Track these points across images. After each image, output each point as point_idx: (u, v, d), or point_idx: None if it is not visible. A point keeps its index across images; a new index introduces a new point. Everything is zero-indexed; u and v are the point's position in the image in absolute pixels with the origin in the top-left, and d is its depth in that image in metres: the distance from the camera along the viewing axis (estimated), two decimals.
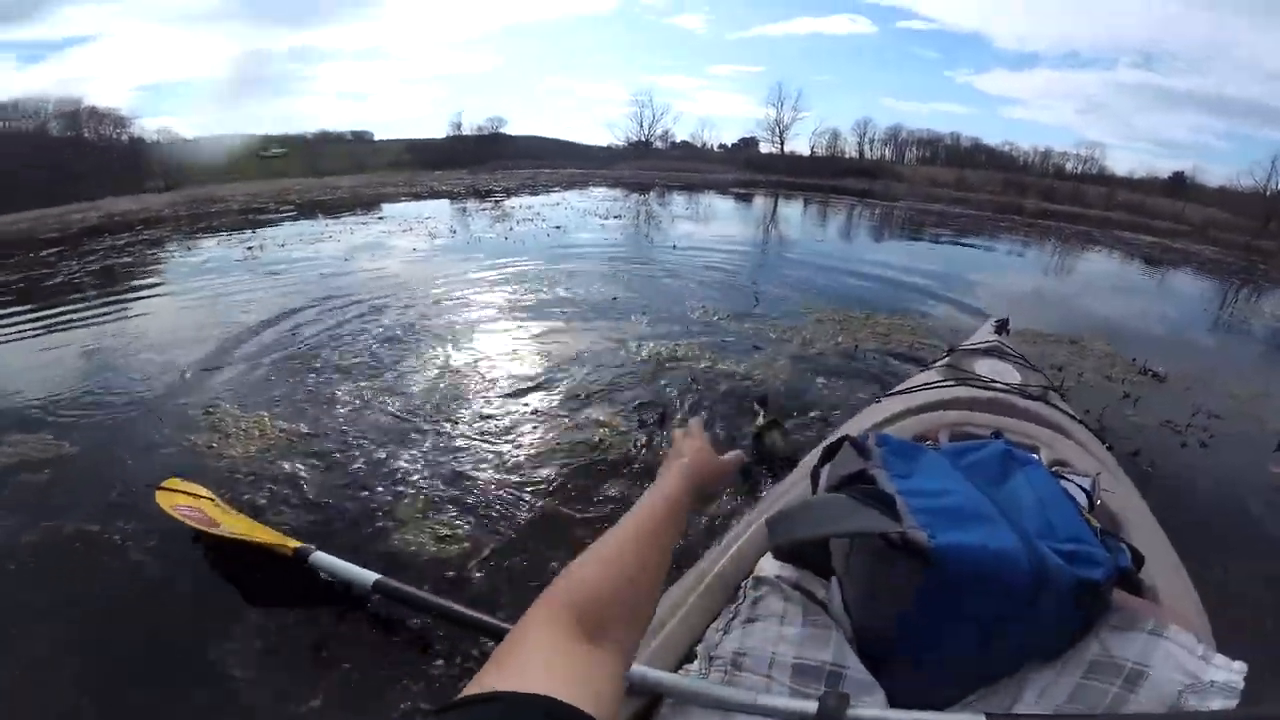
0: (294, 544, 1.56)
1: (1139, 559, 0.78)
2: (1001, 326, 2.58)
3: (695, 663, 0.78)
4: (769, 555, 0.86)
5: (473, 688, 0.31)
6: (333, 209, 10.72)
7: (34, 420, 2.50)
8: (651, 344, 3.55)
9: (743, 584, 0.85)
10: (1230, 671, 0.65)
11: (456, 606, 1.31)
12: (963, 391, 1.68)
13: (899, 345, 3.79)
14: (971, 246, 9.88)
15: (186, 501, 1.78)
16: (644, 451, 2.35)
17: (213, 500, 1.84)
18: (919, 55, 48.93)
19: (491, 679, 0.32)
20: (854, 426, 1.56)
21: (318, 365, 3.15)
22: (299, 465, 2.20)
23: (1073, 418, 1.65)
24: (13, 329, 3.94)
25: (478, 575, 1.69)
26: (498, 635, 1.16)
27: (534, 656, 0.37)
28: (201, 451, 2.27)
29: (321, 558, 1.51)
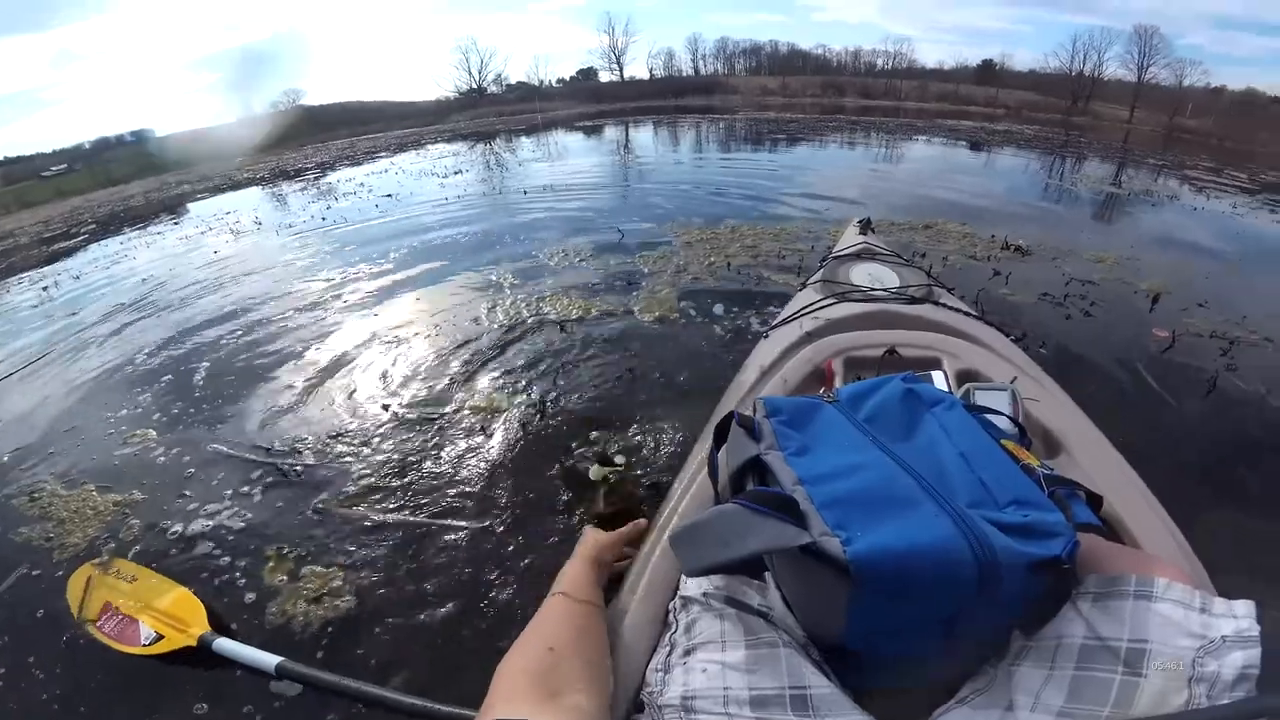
0: (197, 632, 1.34)
1: (1096, 501, 0.67)
2: (865, 225, 2.51)
3: (644, 714, 0.65)
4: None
5: None
6: (131, 220, 9.06)
7: None
8: (512, 305, 3.13)
9: (670, 606, 0.75)
10: (1238, 618, 0.55)
11: (364, 686, 1.14)
12: (845, 309, 1.58)
13: (768, 254, 3.71)
14: (807, 148, 10.20)
15: (97, 605, 1.49)
16: (525, 440, 1.98)
17: (123, 578, 1.54)
18: None
19: None
20: (749, 372, 1.41)
21: (128, 414, 2.48)
22: (141, 542, 1.73)
23: (966, 314, 1.59)
24: None
25: (370, 636, 1.37)
26: (412, 714, 1.05)
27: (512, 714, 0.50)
28: (39, 547, 1.77)
29: (225, 644, 1.30)
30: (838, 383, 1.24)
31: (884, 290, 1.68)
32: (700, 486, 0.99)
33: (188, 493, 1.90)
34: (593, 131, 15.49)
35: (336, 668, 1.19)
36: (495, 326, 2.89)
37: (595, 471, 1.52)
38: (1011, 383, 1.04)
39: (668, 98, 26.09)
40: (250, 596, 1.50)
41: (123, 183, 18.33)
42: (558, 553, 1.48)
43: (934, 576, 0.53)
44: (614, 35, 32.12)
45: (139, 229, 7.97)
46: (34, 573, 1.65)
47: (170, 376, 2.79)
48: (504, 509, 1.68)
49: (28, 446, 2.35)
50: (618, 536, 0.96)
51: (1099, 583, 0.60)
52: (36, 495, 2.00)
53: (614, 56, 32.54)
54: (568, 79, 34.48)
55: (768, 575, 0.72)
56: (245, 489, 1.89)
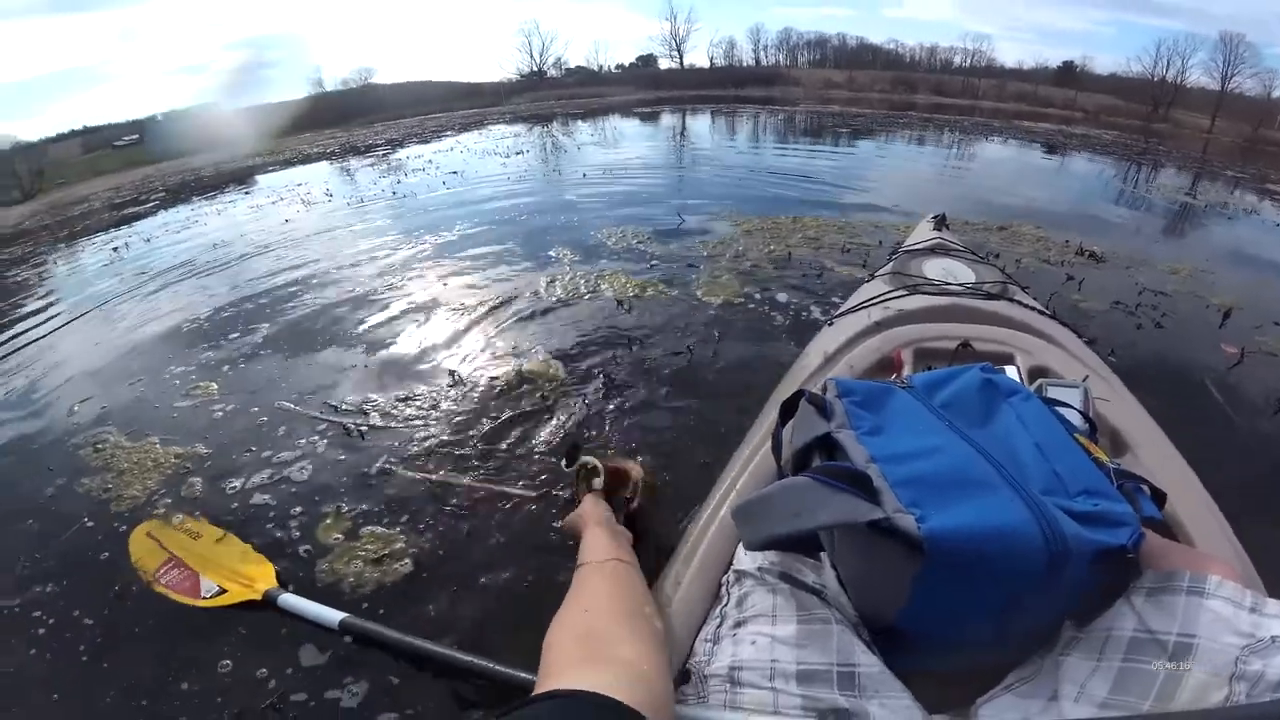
0: (263, 587, 1.37)
1: (1160, 496, 0.68)
2: (940, 222, 2.46)
3: (690, 683, 0.68)
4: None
5: None
6: (201, 189, 9.47)
7: None
8: (570, 281, 3.18)
9: (723, 579, 0.77)
10: None
11: (424, 643, 1.16)
12: (917, 301, 1.56)
13: (831, 246, 3.65)
14: (875, 143, 9.89)
15: (158, 559, 1.52)
16: (585, 411, 2.04)
17: (187, 533, 1.60)
18: None
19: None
20: (811, 357, 1.43)
21: (196, 369, 2.62)
22: (204, 497, 1.79)
23: (1041, 312, 1.57)
24: None
25: (429, 595, 1.40)
26: (470, 672, 1.09)
27: (564, 679, 0.52)
28: (98, 497, 1.83)
29: (289, 599, 1.32)
30: (907, 372, 1.24)
31: (958, 285, 1.66)
32: (759, 464, 1.01)
33: (253, 448, 1.97)
34: (650, 118, 15.42)
35: (396, 626, 1.22)
36: (554, 300, 2.95)
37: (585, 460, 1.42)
38: (1084, 381, 1.05)
39: (727, 87, 25.74)
40: (310, 552, 1.53)
41: (190, 154, 19.23)
42: None
43: (1005, 558, 0.54)
44: (675, 23, 31.87)
45: (208, 198, 8.34)
46: (90, 524, 1.70)
47: (237, 334, 2.94)
48: (562, 478, 1.71)
49: (94, 398, 2.48)
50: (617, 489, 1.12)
51: (1154, 578, 0.61)
52: (100, 446, 2.09)
53: (674, 44, 32.34)
54: (627, 65, 34.40)
55: (823, 555, 0.73)
56: (310, 446, 1.95)
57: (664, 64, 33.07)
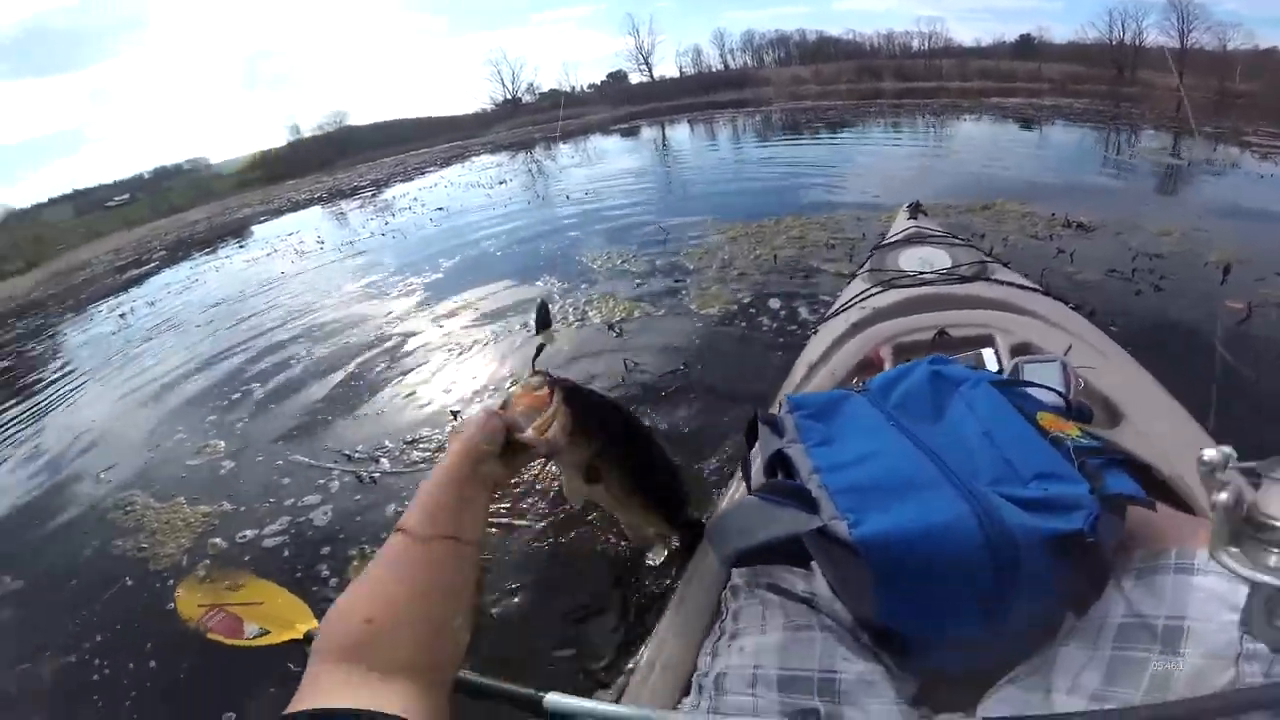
0: (303, 627, 1.38)
1: (1139, 467, 0.67)
2: (915, 209, 2.43)
3: (690, 694, 0.70)
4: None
5: None
6: (198, 246, 9.78)
7: None
8: (560, 310, 3.22)
9: (722, 595, 0.79)
10: None
11: (472, 676, 1.15)
12: (893, 295, 1.56)
13: (815, 245, 3.69)
14: (849, 135, 9.92)
15: (203, 610, 1.54)
16: None
17: (228, 585, 1.59)
18: None
19: None
20: (798, 370, 1.42)
21: (213, 427, 2.73)
22: (233, 547, 1.89)
23: (1023, 287, 1.55)
24: None
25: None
26: (526, 702, 1.03)
27: (328, 701, 0.41)
28: (134, 556, 1.95)
29: None
30: (886, 368, 1.24)
31: (933, 273, 1.65)
32: (743, 488, 1.03)
33: (272, 500, 2.05)
34: (628, 133, 15.54)
35: None
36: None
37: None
38: (1065, 353, 1.04)
39: (699, 94, 25.99)
40: (336, 595, 1.60)
41: (184, 210, 19.37)
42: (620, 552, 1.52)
43: (943, 554, 0.53)
44: (639, 36, 32.20)
45: (206, 254, 8.56)
46: (130, 583, 1.81)
47: (245, 390, 3.05)
48: (566, 510, 1.73)
49: (117, 464, 2.58)
50: (526, 412, 0.67)
51: (1143, 557, 0.57)
52: (129, 509, 2.19)
53: (642, 58, 32.63)
54: (599, 83, 34.74)
55: (814, 564, 0.72)
56: (327, 495, 2.03)
57: (635, 78, 33.40)
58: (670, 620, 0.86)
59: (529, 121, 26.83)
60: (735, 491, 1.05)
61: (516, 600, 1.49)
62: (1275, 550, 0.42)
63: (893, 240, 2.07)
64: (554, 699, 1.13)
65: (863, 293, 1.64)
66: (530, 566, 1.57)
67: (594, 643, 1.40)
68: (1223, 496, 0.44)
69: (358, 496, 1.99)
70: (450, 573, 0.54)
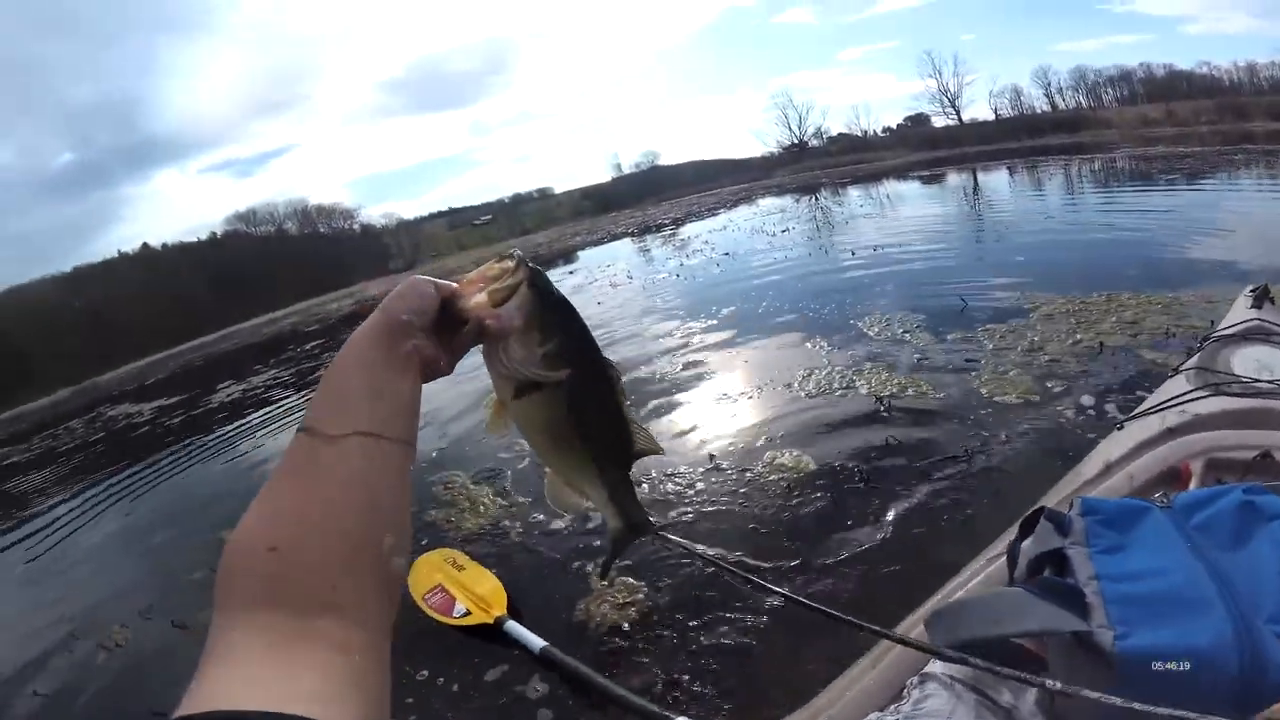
0: (496, 614, 1.82)
1: None
2: (1261, 297, 2.01)
3: None
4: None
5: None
6: (538, 263, 12.49)
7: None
8: (826, 375, 3.36)
9: (908, 681, 0.79)
10: None
11: (611, 685, 1.43)
12: (1218, 403, 1.40)
13: (1152, 332, 3.07)
14: (1211, 190, 7.92)
15: (428, 586, 2.03)
16: (833, 509, 2.23)
17: (454, 565, 2.13)
18: None
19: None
20: (1091, 465, 1.37)
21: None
22: (515, 537, 2.47)
23: None
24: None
25: (644, 644, 1.75)
26: (645, 715, 1.27)
27: (232, 676, 0.29)
28: (442, 525, 2.67)
29: (512, 626, 1.75)
30: (1193, 485, 1.16)
31: (1268, 382, 1.44)
32: (989, 576, 1.05)
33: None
34: (930, 180, 14.63)
35: (593, 660, 1.57)
36: (805, 395, 3.18)
37: None
38: None
39: (1021, 138, 22.95)
40: (559, 594, 1.99)
41: (532, 232, 23.95)
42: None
43: (1191, 679, 0.55)
44: (942, 78, 29.72)
45: (549, 271, 10.80)
46: (424, 541, 2.33)
47: None
48: (801, 575, 1.88)
49: (450, 446, 3.39)
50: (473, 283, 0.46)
51: None
52: (450, 485, 2.91)
53: (946, 99, 30.08)
54: (894, 127, 33.15)
55: (1024, 679, 0.71)
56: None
57: (938, 121, 31.00)
58: (842, 683, 0.90)
59: (816, 166, 27.05)
60: (974, 579, 1.07)
61: (676, 615, 1.75)
62: None
63: (1228, 333, 1.80)
64: None
65: (1185, 393, 1.50)
66: (746, 615, 1.75)
67: (745, 680, 1.55)
68: None
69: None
70: (371, 480, 0.38)
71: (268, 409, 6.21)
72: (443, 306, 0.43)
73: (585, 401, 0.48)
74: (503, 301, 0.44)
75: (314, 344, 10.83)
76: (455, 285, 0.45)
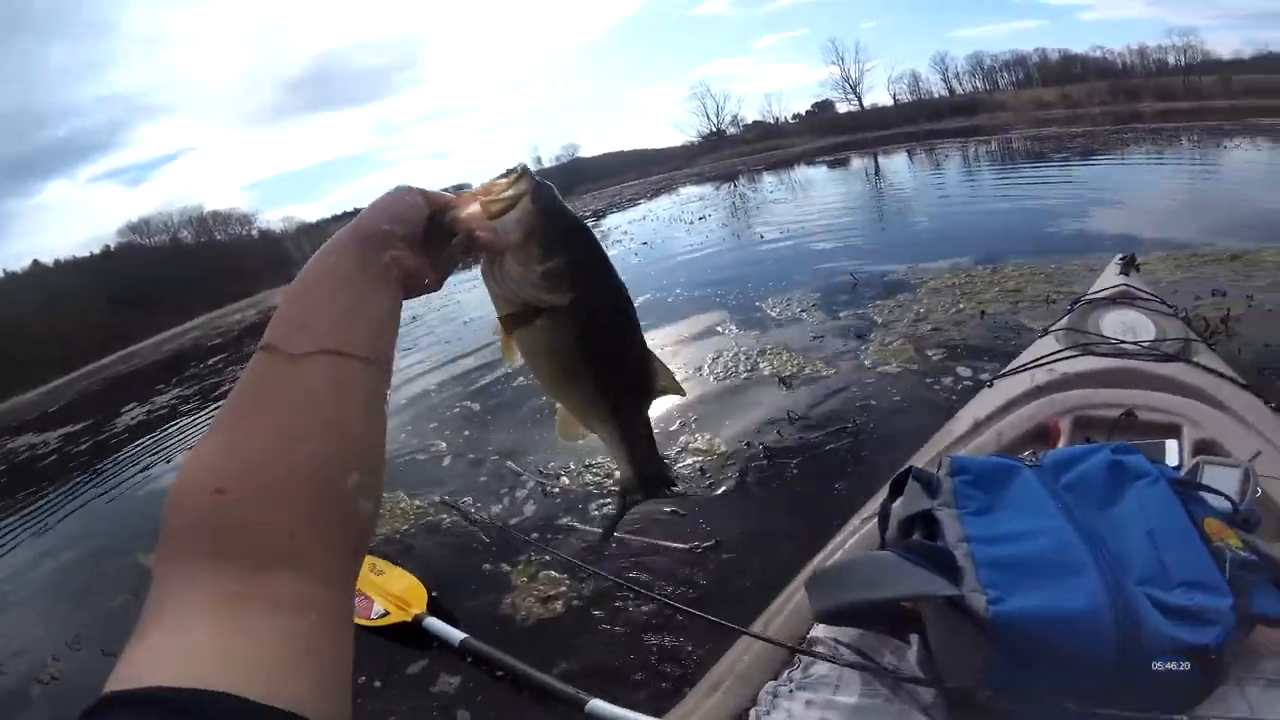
0: (415, 611, 1.81)
1: None
2: (1128, 264, 2.17)
3: None
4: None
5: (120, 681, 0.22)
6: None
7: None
8: (733, 358, 3.40)
9: (797, 645, 0.80)
10: None
11: (531, 671, 1.46)
12: (1085, 363, 1.47)
13: (1032, 300, 3.28)
14: (1100, 166, 8.61)
15: None
16: (749, 489, 2.28)
17: (370, 567, 2.05)
18: None
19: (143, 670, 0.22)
20: (960, 422, 1.39)
21: (444, 431, 3.43)
22: (438, 536, 2.42)
23: (1223, 375, 1.38)
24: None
25: (568, 634, 1.77)
26: (572, 703, 1.26)
27: (168, 645, 0.24)
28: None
29: (432, 622, 1.76)
30: (1062, 443, 1.19)
31: (1133, 344, 1.52)
32: (863, 537, 1.05)
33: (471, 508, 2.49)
34: (835, 165, 15.21)
35: (516, 651, 1.58)
36: (713, 379, 3.21)
37: None
38: (1252, 459, 0.96)
39: (919, 123, 24.28)
40: (477, 586, 2.03)
41: None
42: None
43: (1067, 643, 0.55)
44: (844, 65, 31.09)
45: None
46: None
47: (470, 403, 3.69)
48: (726, 543, 1.94)
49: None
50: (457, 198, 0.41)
51: (1278, 669, 0.58)
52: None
53: (849, 86, 31.48)
54: (803, 114, 34.37)
55: (913, 638, 0.73)
56: (515, 499, 2.49)
57: (842, 107, 32.35)
58: (736, 653, 0.89)
59: (733, 154, 27.65)
60: (849, 540, 1.08)
61: (578, 599, 1.78)
62: None
63: (1096, 297, 1.90)
64: (597, 705, 1.25)
65: (1054, 353, 1.56)
66: (671, 588, 1.78)
67: (651, 658, 1.59)
68: None
69: (540, 504, 2.42)
70: (336, 406, 0.32)
71: (172, 424, 6.10)
72: (431, 218, 0.39)
73: (594, 330, 0.42)
74: (500, 214, 0.39)
75: (217, 359, 10.15)
76: (450, 196, 0.40)
